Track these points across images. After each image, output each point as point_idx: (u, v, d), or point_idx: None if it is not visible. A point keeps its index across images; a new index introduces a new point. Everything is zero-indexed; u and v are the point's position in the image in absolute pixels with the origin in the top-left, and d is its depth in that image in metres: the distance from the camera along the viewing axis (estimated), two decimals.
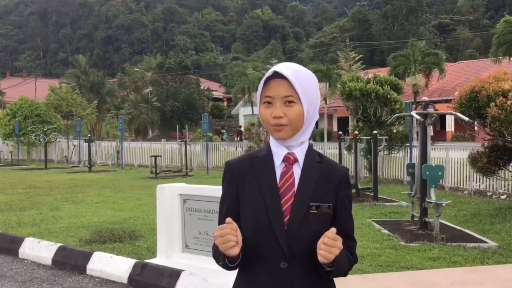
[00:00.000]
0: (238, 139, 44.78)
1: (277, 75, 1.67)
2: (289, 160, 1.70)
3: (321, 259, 1.58)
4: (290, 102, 1.66)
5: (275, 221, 1.63)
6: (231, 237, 1.56)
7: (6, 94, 52.74)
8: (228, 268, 1.69)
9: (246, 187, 1.70)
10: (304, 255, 1.64)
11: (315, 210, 1.66)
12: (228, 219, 1.59)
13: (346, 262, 1.69)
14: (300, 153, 1.72)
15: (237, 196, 1.72)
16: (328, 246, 1.56)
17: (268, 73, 1.69)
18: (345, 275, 1.73)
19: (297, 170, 1.70)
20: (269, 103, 1.68)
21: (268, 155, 1.73)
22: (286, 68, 1.67)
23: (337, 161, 13.71)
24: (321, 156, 1.77)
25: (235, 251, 1.57)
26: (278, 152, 1.72)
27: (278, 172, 1.70)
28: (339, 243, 1.57)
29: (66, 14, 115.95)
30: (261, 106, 1.71)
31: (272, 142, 1.74)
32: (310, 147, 1.76)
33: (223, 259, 1.66)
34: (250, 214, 1.67)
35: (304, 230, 1.64)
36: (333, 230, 1.57)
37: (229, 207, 1.74)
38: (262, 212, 1.64)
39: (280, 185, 1.67)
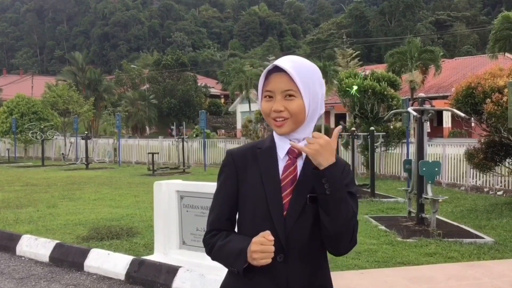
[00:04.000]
0: None
1: (277, 69, 1.67)
2: (293, 153, 1.70)
3: (309, 153, 1.59)
4: (290, 95, 1.66)
5: (274, 213, 1.64)
6: (272, 247, 1.57)
7: (3, 92, 52.51)
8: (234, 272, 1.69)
9: (248, 177, 1.70)
10: (300, 248, 1.64)
11: (312, 202, 1.65)
12: (268, 233, 1.57)
13: (344, 195, 1.61)
14: None
15: (237, 186, 1.72)
16: (310, 143, 1.58)
17: (269, 67, 1.69)
18: (346, 220, 1.60)
19: (300, 164, 1.70)
20: (269, 97, 1.69)
21: (271, 147, 1.73)
22: (287, 61, 1.67)
23: None
24: None
25: (269, 261, 1.59)
26: (282, 145, 1.71)
27: (281, 164, 1.70)
28: (320, 140, 1.57)
29: (62, 11, 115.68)
30: (262, 101, 1.71)
31: (276, 135, 1.74)
32: None
33: (238, 267, 1.64)
34: (250, 205, 1.68)
35: (302, 222, 1.64)
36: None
37: (227, 196, 1.74)
38: (262, 204, 1.65)
39: (282, 178, 1.68)
